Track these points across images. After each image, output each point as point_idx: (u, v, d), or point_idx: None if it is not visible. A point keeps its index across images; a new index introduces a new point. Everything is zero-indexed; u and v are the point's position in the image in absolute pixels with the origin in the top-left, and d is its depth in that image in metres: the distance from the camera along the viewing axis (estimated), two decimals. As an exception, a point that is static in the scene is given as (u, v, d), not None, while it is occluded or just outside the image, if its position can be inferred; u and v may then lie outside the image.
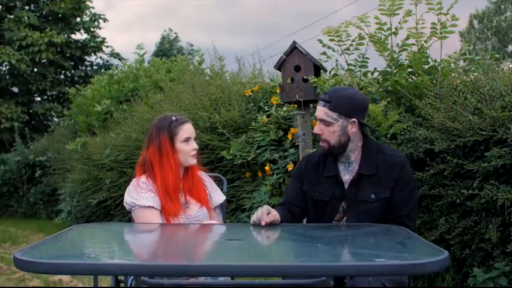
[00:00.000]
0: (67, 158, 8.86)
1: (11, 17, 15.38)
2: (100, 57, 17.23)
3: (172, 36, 24.48)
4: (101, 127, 8.25)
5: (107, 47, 16.80)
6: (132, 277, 2.20)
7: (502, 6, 27.58)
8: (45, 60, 15.24)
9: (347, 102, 2.38)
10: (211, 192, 2.67)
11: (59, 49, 15.50)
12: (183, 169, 2.59)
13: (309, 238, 2.09)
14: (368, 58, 3.93)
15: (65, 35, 15.75)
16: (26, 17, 15.04)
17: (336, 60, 4.11)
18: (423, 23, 3.67)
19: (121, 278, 2.24)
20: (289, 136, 4.36)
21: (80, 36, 16.46)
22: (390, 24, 3.75)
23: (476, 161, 3.25)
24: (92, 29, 16.34)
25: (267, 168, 4.43)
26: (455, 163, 3.30)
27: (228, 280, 2.30)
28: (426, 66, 3.77)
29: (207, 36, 45.75)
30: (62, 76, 16.71)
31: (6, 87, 15.62)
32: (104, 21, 16.56)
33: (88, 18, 16.32)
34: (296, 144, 4.19)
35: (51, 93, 16.50)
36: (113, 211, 7.03)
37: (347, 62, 3.96)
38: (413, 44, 3.76)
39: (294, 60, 3.94)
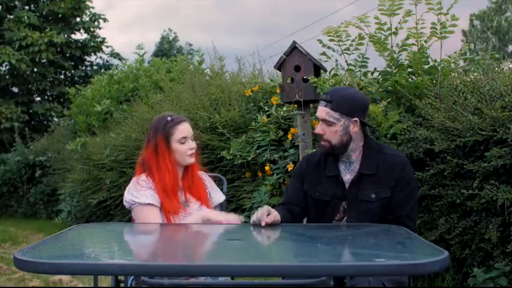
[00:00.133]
0: (67, 158, 8.86)
1: (11, 17, 15.38)
2: (100, 57, 17.27)
3: (172, 36, 24.51)
4: (101, 127, 8.26)
5: (107, 47, 16.83)
6: (132, 277, 2.20)
7: (503, 6, 27.58)
8: (45, 60, 15.24)
9: (348, 102, 2.38)
10: (211, 192, 2.67)
11: (59, 49, 15.50)
12: (182, 168, 2.59)
13: (309, 238, 2.09)
14: (368, 58, 3.93)
15: (65, 35, 15.75)
16: (26, 17, 15.04)
17: (336, 60, 4.11)
18: (423, 23, 3.68)
19: (121, 278, 2.24)
20: (289, 136, 4.36)
21: (80, 36, 16.50)
22: (390, 24, 3.75)
23: (476, 161, 3.25)
24: (92, 29, 16.35)
25: (267, 168, 4.43)
26: (455, 163, 3.30)
27: (228, 280, 2.30)
28: (426, 66, 3.77)
29: (206, 36, 45.82)
30: (62, 76, 16.72)
31: (6, 87, 15.62)
32: (104, 21, 16.59)
33: (87, 18, 16.33)
34: (296, 144, 4.19)
35: (51, 93, 16.50)
36: (113, 211, 7.03)
37: (346, 62, 3.96)
38: (413, 44, 3.76)
39: (294, 60, 3.94)
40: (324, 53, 3.97)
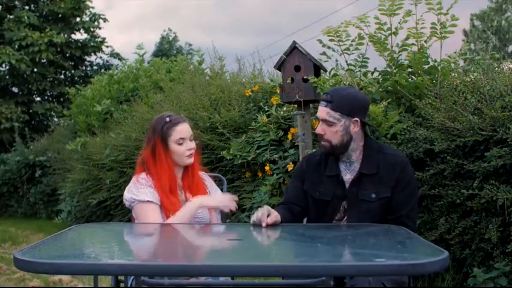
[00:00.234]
0: (67, 158, 8.86)
1: (11, 17, 15.38)
2: (100, 57, 17.27)
3: (172, 36, 24.51)
4: (101, 127, 8.26)
5: (107, 47, 16.83)
6: (132, 277, 2.20)
7: (503, 6, 27.58)
8: (45, 60, 15.24)
9: (349, 102, 2.38)
10: (211, 192, 2.67)
11: (59, 49, 15.50)
12: (182, 168, 2.59)
13: (309, 238, 2.09)
14: (368, 58, 3.93)
15: (65, 35, 15.75)
16: (26, 17, 15.04)
17: (336, 60, 4.12)
18: (423, 23, 3.68)
19: (121, 278, 2.24)
20: (289, 136, 4.36)
21: (80, 36, 16.50)
22: (390, 24, 3.75)
23: (476, 161, 3.25)
24: (92, 29, 16.34)
25: (267, 168, 4.43)
26: (455, 163, 3.30)
27: (228, 280, 2.30)
28: (426, 66, 3.77)
29: (206, 36, 45.79)
30: (62, 76, 16.71)
31: (6, 87, 15.62)
32: (104, 21, 16.58)
33: (87, 18, 16.32)
34: (296, 144, 4.19)
35: (51, 93, 16.50)
36: (113, 211, 7.03)
37: (346, 62, 3.96)
38: (413, 44, 3.76)
39: (294, 60, 3.94)
40: (324, 53, 3.97)
